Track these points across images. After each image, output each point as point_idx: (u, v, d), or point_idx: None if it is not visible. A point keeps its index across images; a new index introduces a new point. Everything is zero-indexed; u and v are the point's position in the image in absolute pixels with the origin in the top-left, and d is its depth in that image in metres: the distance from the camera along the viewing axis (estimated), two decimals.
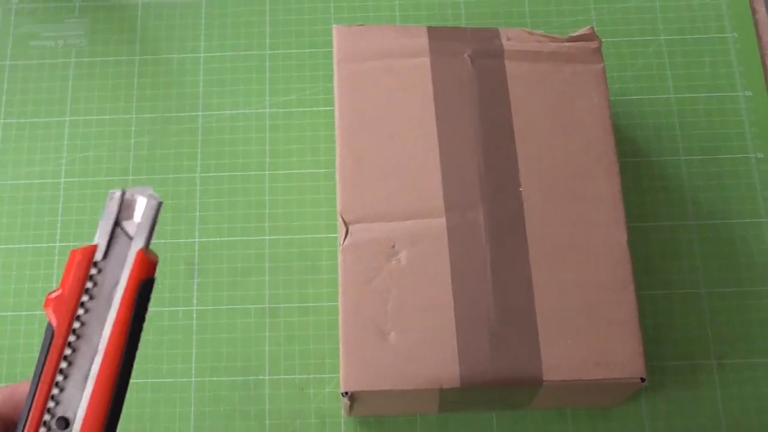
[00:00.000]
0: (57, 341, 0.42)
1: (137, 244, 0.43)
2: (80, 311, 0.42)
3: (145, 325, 0.43)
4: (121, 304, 0.42)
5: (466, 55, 0.67)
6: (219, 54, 0.80)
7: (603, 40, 0.72)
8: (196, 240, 0.73)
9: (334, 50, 0.68)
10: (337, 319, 0.62)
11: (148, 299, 0.43)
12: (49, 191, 0.75)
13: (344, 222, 0.63)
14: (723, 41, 0.79)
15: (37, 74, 0.79)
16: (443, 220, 0.63)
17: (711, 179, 0.75)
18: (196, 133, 0.77)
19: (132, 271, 0.43)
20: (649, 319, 0.70)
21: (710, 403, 0.69)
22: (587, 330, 0.61)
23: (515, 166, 0.65)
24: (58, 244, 0.73)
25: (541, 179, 0.64)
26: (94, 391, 0.42)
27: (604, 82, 0.67)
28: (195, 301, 0.71)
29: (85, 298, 0.42)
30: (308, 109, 0.77)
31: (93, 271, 0.42)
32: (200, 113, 0.77)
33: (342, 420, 0.68)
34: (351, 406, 0.63)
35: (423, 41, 0.68)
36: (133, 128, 0.77)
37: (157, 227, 0.44)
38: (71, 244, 0.73)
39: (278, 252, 0.73)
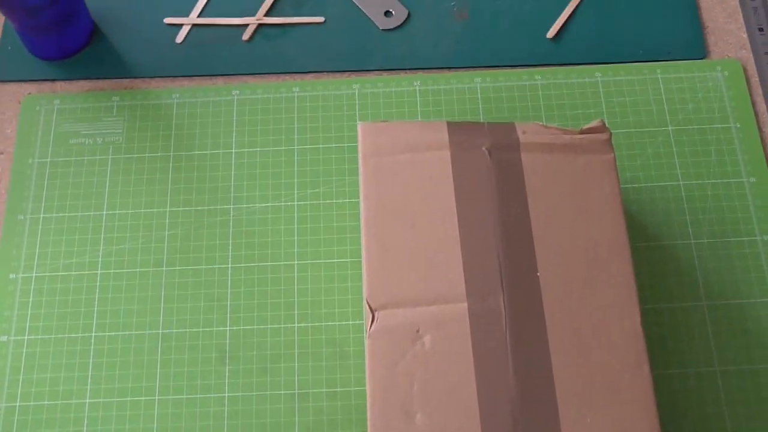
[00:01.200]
0: None
1: None
2: None
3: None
4: None
5: (484, 149, 0.71)
6: (249, 150, 0.84)
7: (613, 131, 0.76)
8: (228, 328, 0.76)
9: (360, 145, 0.72)
10: (365, 403, 0.64)
11: None
12: (86, 282, 0.78)
13: (370, 308, 0.66)
14: (727, 131, 0.83)
15: (76, 170, 0.83)
16: (465, 306, 0.66)
17: (721, 261, 0.78)
18: (228, 225, 0.80)
19: None
20: (665, 398, 0.72)
21: None
22: (606, 410, 0.63)
23: (532, 253, 0.68)
24: (93, 334, 0.76)
25: (558, 265, 0.68)
26: None
27: (615, 171, 0.71)
28: (226, 388, 0.74)
29: None
30: (334, 201, 0.81)
31: None
32: (231, 206, 0.81)
33: None
34: None
35: (443, 135, 0.72)
36: (167, 221, 0.81)
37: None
38: (107, 334, 0.76)
39: (307, 339, 0.76)
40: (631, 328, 0.66)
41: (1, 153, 0.85)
